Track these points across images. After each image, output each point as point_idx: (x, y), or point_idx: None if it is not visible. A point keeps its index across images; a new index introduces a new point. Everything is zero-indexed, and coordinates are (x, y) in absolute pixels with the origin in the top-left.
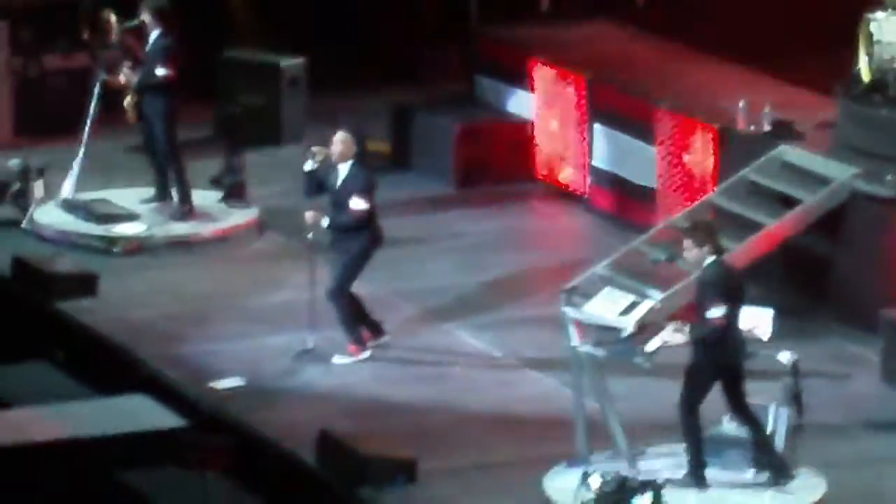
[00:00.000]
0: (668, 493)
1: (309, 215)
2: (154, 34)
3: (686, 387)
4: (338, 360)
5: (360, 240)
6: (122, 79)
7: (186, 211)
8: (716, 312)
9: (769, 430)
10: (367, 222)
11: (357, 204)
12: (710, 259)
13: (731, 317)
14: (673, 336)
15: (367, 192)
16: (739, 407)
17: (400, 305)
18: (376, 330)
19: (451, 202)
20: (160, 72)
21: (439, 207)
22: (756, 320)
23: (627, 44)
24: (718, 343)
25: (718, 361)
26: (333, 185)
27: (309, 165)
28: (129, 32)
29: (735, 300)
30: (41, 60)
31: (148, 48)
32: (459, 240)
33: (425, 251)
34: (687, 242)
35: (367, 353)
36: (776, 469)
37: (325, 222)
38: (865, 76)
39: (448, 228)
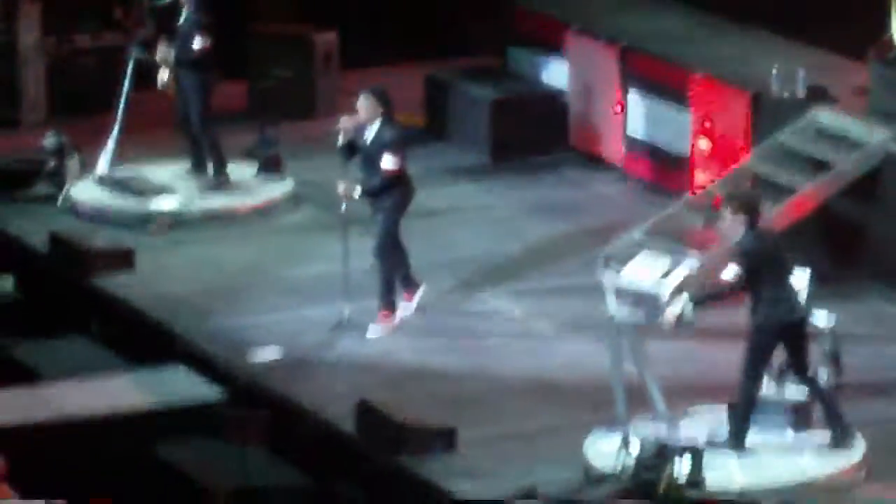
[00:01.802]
0: (707, 457)
1: (342, 187)
2: (187, 8)
3: (747, 350)
4: (371, 332)
5: (393, 196)
6: (159, 55)
7: (222, 182)
8: (731, 272)
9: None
10: (398, 180)
11: (387, 163)
12: (747, 228)
13: (774, 282)
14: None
15: (396, 149)
16: (800, 369)
17: (436, 275)
18: (413, 285)
19: (486, 173)
20: (196, 44)
21: (474, 178)
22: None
23: (661, 11)
24: (772, 305)
25: (778, 323)
26: (364, 146)
27: (340, 139)
28: (161, 9)
29: (774, 266)
30: (73, 40)
31: (181, 22)
32: (494, 210)
33: (460, 221)
34: (726, 211)
35: (397, 320)
36: (840, 431)
37: (356, 192)
38: None
39: (483, 199)
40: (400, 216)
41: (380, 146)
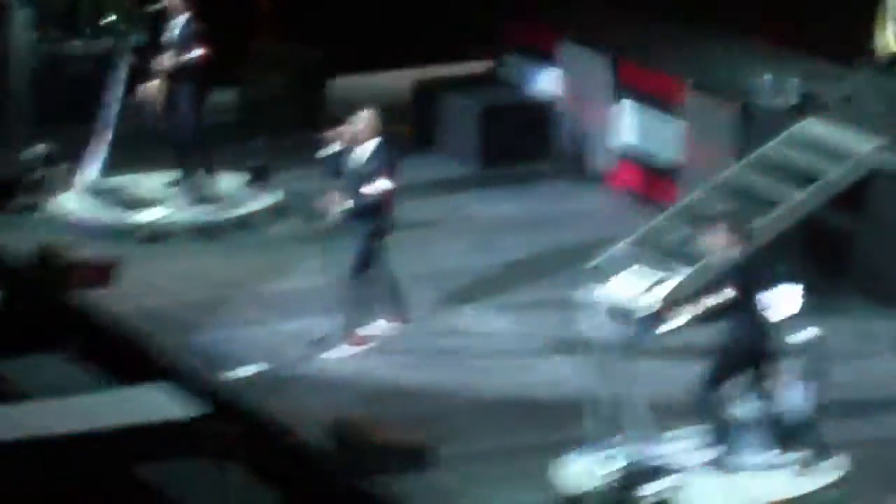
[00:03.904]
0: (685, 477)
1: (328, 199)
2: (182, 18)
3: (716, 364)
4: (337, 353)
5: (374, 221)
6: (163, 63)
7: (206, 193)
8: (722, 294)
9: (791, 406)
10: (384, 205)
11: (382, 184)
12: (736, 247)
13: (753, 302)
14: (690, 315)
15: (391, 170)
16: (761, 390)
17: (419, 288)
18: (400, 314)
19: (475, 183)
20: (193, 53)
21: (462, 188)
22: (784, 296)
23: (652, 20)
24: (745, 327)
25: (747, 345)
26: (355, 164)
27: (330, 149)
28: (153, 16)
29: (757, 286)
30: (64, 46)
31: (178, 32)
32: (481, 220)
33: (447, 232)
34: (712, 229)
35: (367, 345)
36: (799, 446)
37: (346, 205)
38: (888, 47)
39: (470, 209)
40: (378, 242)
41: (376, 166)
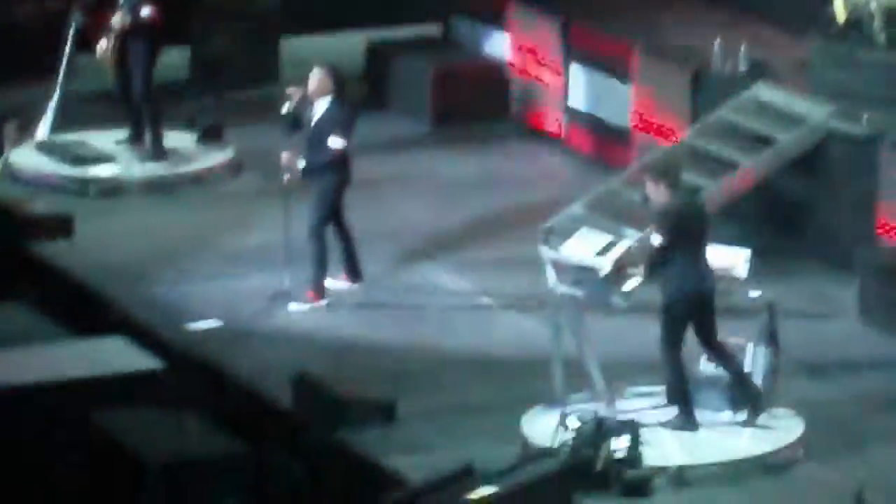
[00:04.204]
0: (646, 434)
1: (285, 157)
2: None
3: (662, 324)
4: (294, 307)
5: (329, 177)
6: (115, 22)
7: (159, 154)
8: (655, 239)
9: (746, 369)
10: (340, 162)
11: (335, 142)
12: (668, 194)
13: (690, 251)
14: (645, 272)
15: (344, 129)
16: (709, 341)
17: (378, 245)
18: (355, 274)
19: (427, 143)
20: (145, 12)
21: (415, 148)
22: (732, 260)
23: None
24: (681, 277)
25: (684, 294)
26: (309, 122)
27: (286, 107)
28: None
29: (692, 235)
30: (14, 5)
31: None
32: (436, 180)
33: (402, 191)
34: (647, 182)
35: (324, 302)
36: (749, 404)
37: (300, 163)
38: (840, 15)
39: (424, 169)
40: (336, 198)
41: (329, 124)
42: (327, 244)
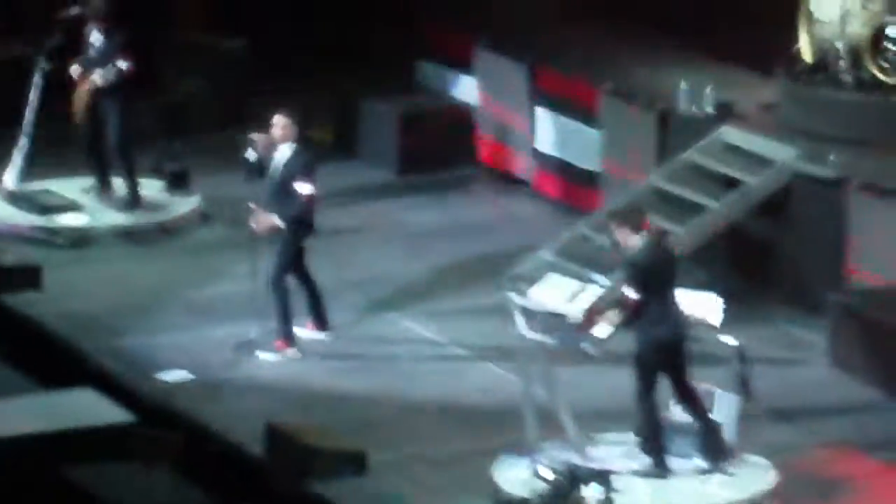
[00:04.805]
0: (617, 482)
1: (259, 219)
2: (102, 32)
3: (635, 372)
4: (263, 356)
5: (293, 226)
6: (96, 79)
7: (136, 203)
8: (626, 290)
9: (717, 415)
10: (307, 207)
11: (303, 188)
12: (635, 239)
13: (660, 297)
14: (616, 319)
15: (309, 174)
16: (680, 389)
17: (345, 294)
18: (322, 323)
19: (396, 189)
20: (121, 65)
21: (383, 195)
22: (705, 306)
23: (569, 25)
24: (653, 323)
25: (656, 342)
26: (275, 169)
27: (250, 152)
28: (69, 20)
29: (661, 281)
30: None
31: (99, 46)
32: (404, 227)
33: (370, 239)
34: (613, 227)
35: (293, 351)
36: (718, 454)
37: (277, 222)
38: (806, 55)
39: (393, 216)
40: (297, 248)
41: (294, 171)
42: (289, 293)
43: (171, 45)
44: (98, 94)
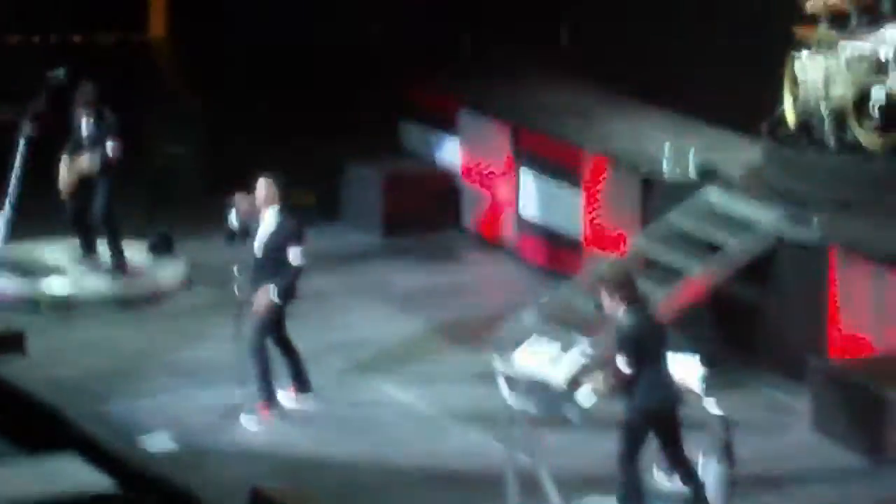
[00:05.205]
0: None
1: (260, 300)
2: (92, 116)
3: (621, 438)
4: (245, 420)
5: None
6: (85, 165)
7: (122, 269)
8: (619, 362)
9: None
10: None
11: (296, 259)
12: (625, 308)
13: (651, 365)
14: (601, 385)
15: (300, 241)
16: (673, 457)
17: (328, 359)
18: (304, 385)
19: (379, 253)
20: (109, 149)
21: (367, 258)
22: (686, 370)
23: (552, 88)
24: (645, 391)
25: (646, 410)
26: (262, 234)
27: (233, 216)
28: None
29: (652, 349)
30: None
31: (89, 130)
32: (387, 291)
33: (353, 303)
34: (602, 293)
35: (275, 415)
36: None
37: (275, 297)
38: (791, 118)
39: (376, 279)
40: (278, 314)
41: (283, 237)
42: (268, 356)
43: (155, 112)
44: (87, 176)
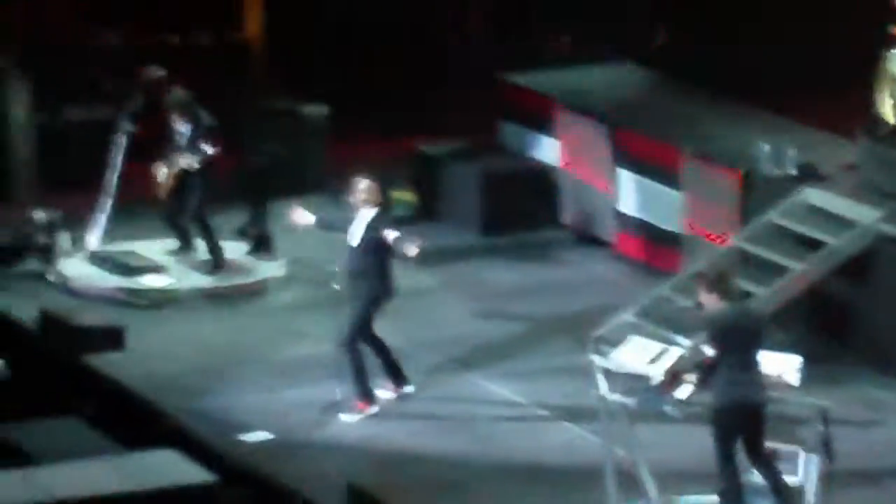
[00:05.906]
0: None
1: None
2: (186, 119)
3: (713, 434)
4: (344, 417)
5: (370, 287)
6: (184, 164)
7: (219, 266)
8: (706, 352)
9: (799, 478)
10: (385, 273)
11: (410, 251)
12: (721, 304)
13: (737, 361)
14: (696, 381)
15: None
16: (754, 452)
17: (425, 355)
18: (400, 380)
19: (477, 250)
20: (206, 149)
21: (464, 256)
22: (784, 367)
23: (649, 87)
24: (731, 385)
25: (733, 404)
26: (359, 233)
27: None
28: (150, 83)
29: (741, 345)
30: (63, 113)
31: (187, 131)
32: (485, 288)
33: (450, 300)
34: (700, 289)
35: (374, 409)
36: None
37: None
38: (889, 117)
39: (473, 276)
40: (375, 309)
41: (378, 231)
42: (362, 353)
43: (252, 113)
44: (184, 174)
